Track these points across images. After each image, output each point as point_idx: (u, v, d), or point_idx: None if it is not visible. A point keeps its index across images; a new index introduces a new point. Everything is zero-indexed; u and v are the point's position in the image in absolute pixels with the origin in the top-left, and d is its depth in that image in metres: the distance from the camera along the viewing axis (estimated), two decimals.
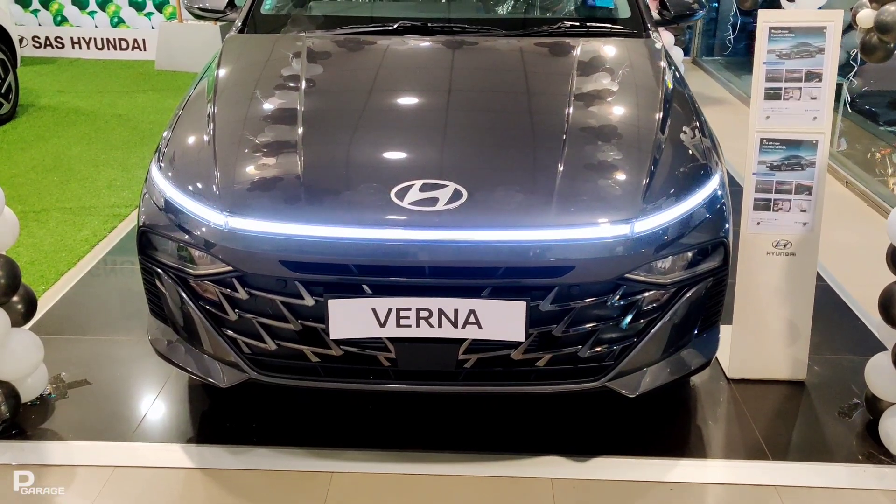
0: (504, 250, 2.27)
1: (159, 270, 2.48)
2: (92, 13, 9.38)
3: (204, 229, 2.37)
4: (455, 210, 2.31)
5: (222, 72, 3.07)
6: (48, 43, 9.40)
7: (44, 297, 3.61)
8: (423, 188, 2.36)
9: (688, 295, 2.42)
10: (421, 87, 3.03)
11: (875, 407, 2.72)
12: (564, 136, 2.59)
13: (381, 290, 2.29)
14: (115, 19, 9.37)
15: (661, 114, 2.74)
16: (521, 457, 2.58)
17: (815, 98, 2.75)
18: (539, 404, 2.83)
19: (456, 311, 2.27)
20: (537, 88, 3.01)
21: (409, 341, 2.34)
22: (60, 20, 9.42)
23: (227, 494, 2.44)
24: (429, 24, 3.35)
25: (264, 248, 2.31)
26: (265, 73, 3.11)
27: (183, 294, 2.45)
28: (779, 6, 4.94)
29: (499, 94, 2.98)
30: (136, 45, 9.29)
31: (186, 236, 2.40)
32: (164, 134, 2.80)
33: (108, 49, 9.35)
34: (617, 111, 2.84)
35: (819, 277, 3.28)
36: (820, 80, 2.74)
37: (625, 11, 3.55)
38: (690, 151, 2.68)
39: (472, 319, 2.28)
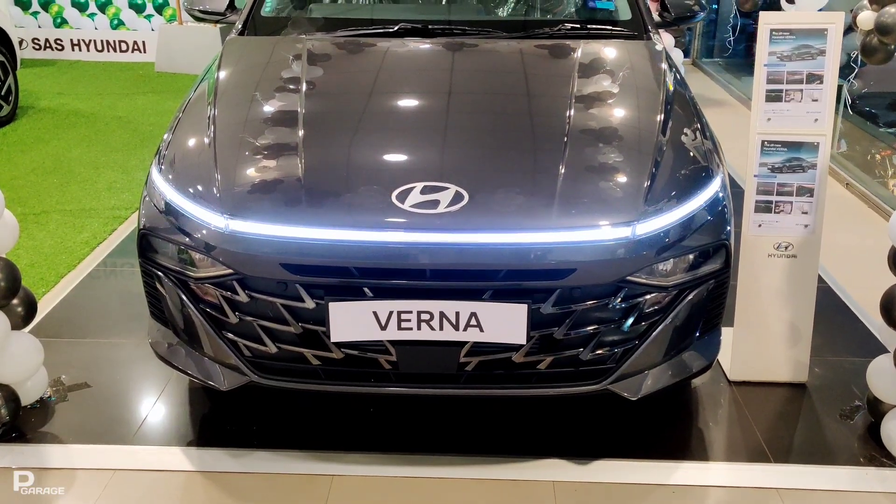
0: (505, 253, 2.27)
1: (160, 273, 2.48)
2: (92, 15, 9.38)
3: (204, 232, 2.37)
4: (456, 212, 2.30)
5: (223, 74, 3.06)
6: (48, 45, 9.40)
7: (44, 300, 3.60)
8: (424, 191, 2.36)
9: (689, 297, 2.42)
10: (422, 90, 3.02)
11: (877, 409, 2.71)
12: (565, 139, 2.59)
13: (382, 293, 2.29)
14: (115, 21, 9.37)
15: (663, 116, 2.74)
16: (522, 459, 2.58)
17: (816, 100, 2.75)
18: (540, 407, 2.82)
19: (457, 314, 2.27)
20: (538, 90, 3.01)
21: (410, 344, 2.33)
22: (60, 22, 9.42)
23: (227, 498, 2.44)
24: (429, 27, 3.35)
25: (265, 250, 2.30)
26: (265, 76, 3.11)
27: (183, 297, 2.44)
28: (779, 8, 4.94)
29: (500, 97, 2.97)
30: (136, 48, 9.29)
31: (187, 239, 2.40)
32: (165, 136, 2.79)
33: (108, 51, 9.35)
34: (618, 113, 2.84)
35: (820, 279, 3.28)
36: (821, 82, 2.74)
37: (625, 13, 3.55)
38: (692, 153, 2.68)
39: (473, 322, 2.27)
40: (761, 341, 2.95)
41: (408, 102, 2.96)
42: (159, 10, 9.31)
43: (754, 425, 2.76)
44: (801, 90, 2.75)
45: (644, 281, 2.33)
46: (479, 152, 2.61)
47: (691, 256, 2.41)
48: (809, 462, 2.60)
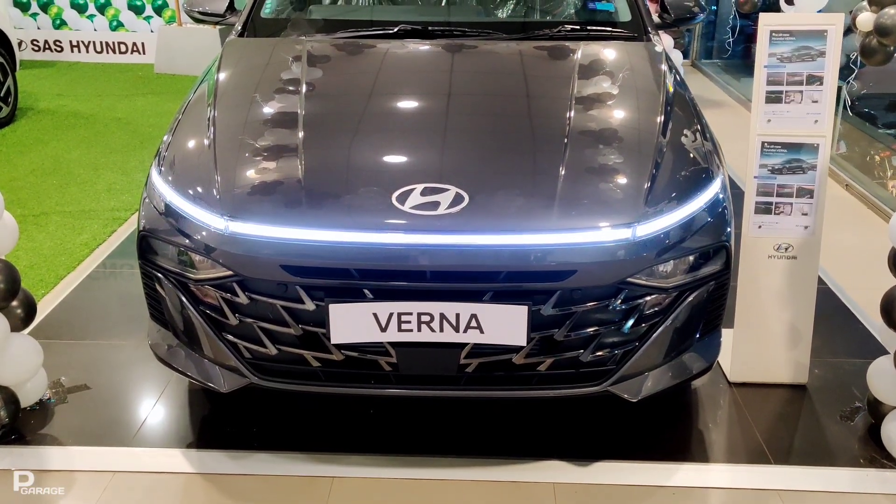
0: (506, 254, 2.27)
1: (160, 275, 2.48)
2: (91, 17, 9.38)
3: (204, 233, 2.37)
4: (456, 214, 2.30)
5: (222, 76, 3.06)
6: (47, 46, 9.40)
7: (43, 302, 3.60)
8: (424, 192, 2.35)
9: (689, 299, 2.42)
10: (422, 91, 3.02)
11: (877, 411, 2.71)
12: (566, 140, 2.59)
13: (382, 295, 2.28)
14: (114, 23, 9.36)
15: (663, 117, 2.74)
16: (522, 461, 2.58)
17: (816, 101, 2.75)
18: (541, 408, 2.82)
19: (457, 316, 2.27)
20: (538, 92, 3.01)
21: (411, 346, 2.33)
22: (59, 24, 9.42)
23: (227, 500, 2.43)
24: (429, 28, 3.35)
25: (265, 252, 2.30)
26: (265, 77, 3.10)
27: (183, 298, 2.44)
28: (778, 9, 4.94)
29: (500, 98, 2.97)
30: (135, 49, 9.28)
31: (187, 241, 2.40)
32: (165, 138, 2.79)
33: (108, 52, 9.35)
34: (618, 115, 2.84)
35: (820, 281, 3.28)
36: (821, 84, 2.74)
37: (625, 15, 3.55)
38: (692, 155, 2.68)
39: (473, 324, 2.27)
40: (761, 343, 2.95)
41: (408, 104, 2.96)
42: (158, 11, 9.30)
43: (754, 427, 2.76)
44: (801, 91, 2.75)
45: (644, 282, 2.33)
46: (480, 154, 2.61)
47: (691, 258, 2.41)
48: (809, 463, 2.60)
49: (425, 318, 2.27)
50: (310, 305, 2.29)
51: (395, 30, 3.33)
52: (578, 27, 3.46)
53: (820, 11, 4.74)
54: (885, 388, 2.63)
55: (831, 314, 3.50)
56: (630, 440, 2.69)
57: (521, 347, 2.31)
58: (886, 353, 2.67)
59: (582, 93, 2.87)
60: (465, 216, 2.30)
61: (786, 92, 2.76)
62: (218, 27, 8.06)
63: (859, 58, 4.96)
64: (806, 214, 2.81)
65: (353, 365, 2.39)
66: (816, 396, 2.94)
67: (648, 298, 2.36)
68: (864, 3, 4.55)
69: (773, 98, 2.76)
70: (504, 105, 2.92)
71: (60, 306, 3.58)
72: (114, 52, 9.34)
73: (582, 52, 3.20)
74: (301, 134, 2.63)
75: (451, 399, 2.76)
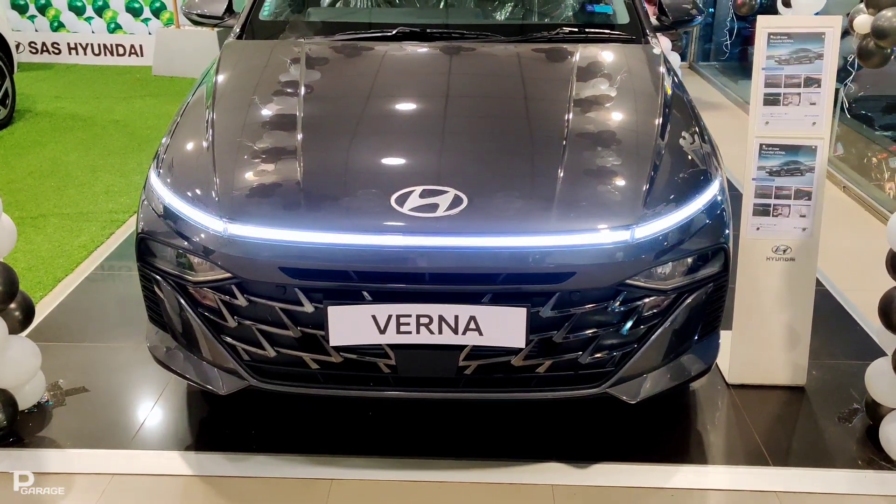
0: (504, 256, 2.27)
1: (158, 277, 2.48)
2: (89, 19, 9.38)
3: (203, 236, 2.37)
4: (455, 216, 2.30)
5: (221, 78, 3.06)
6: (45, 48, 9.39)
7: (41, 304, 3.59)
8: (423, 194, 2.36)
9: (688, 301, 2.42)
10: (420, 93, 3.02)
11: (875, 412, 2.72)
12: (564, 142, 2.59)
13: (381, 297, 2.28)
14: (112, 25, 9.36)
15: (661, 119, 2.75)
16: (521, 463, 2.58)
17: (814, 103, 2.76)
18: (540, 410, 2.82)
19: (456, 318, 2.27)
20: (536, 94, 3.01)
21: (409, 348, 2.33)
22: (57, 26, 9.41)
23: (226, 502, 2.43)
24: (427, 30, 3.35)
25: (264, 254, 2.30)
26: (264, 80, 3.10)
27: (182, 301, 2.44)
28: (775, 12, 4.95)
29: (498, 100, 2.98)
30: (133, 51, 9.28)
31: (185, 243, 2.40)
32: (163, 140, 2.79)
33: (105, 55, 9.35)
34: (616, 117, 2.84)
35: (818, 282, 3.27)
36: (819, 86, 2.75)
37: (623, 17, 3.56)
38: (690, 157, 2.68)
39: (472, 326, 2.27)
40: (760, 344, 2.95)
41: (406, 106, 2.96)
42: (156, 13, 9.30)
43: (753, 428, 2.76)
44: (799, 94, 2.76)
45: (643, 284, 2.33)
46: (478, 156, 2.61)
47: (690, 260, 2.41)
48: (808, 465, 2.60)
49: (424, 320, 2.27)
50: (308, 307, 2.29)
51: (394, 32, 3.34)
52: (577, 29, 3.46)
53: (817, 14, 4.74)
54: (883, 390, 2.63)
55: (829, 316, 3.50)
56: (629, 442, 2.69)
57: (520, 349, 2.31)
58: (884, 354, 2.68)
59: (580, 95, 2.87)
60: (463, 218, 2.30)
61: (784, 94, 2.76)
62: (216, 29, 8.06)
63: (856, 60, 4.97)
64: (804, 216, 2.82)
65: (352, 367, 2.39)
66: (815, 398, 2.94)
67: (647, 300, 2.36)
68: (862, 6, 4.56)
69: (771, 100, 2.77)
70: (503, 107, 2.92)
71: (58, 309, 3.57)
72: (112, 54, 9.34)
73: (580, 54, 3.20)
74: (300, 136, 2.63)
75: (450, 401, 2.76)
